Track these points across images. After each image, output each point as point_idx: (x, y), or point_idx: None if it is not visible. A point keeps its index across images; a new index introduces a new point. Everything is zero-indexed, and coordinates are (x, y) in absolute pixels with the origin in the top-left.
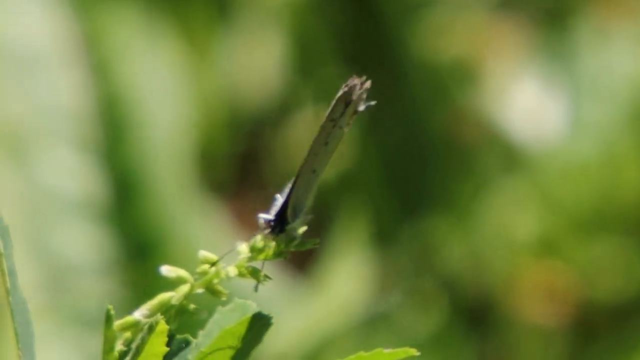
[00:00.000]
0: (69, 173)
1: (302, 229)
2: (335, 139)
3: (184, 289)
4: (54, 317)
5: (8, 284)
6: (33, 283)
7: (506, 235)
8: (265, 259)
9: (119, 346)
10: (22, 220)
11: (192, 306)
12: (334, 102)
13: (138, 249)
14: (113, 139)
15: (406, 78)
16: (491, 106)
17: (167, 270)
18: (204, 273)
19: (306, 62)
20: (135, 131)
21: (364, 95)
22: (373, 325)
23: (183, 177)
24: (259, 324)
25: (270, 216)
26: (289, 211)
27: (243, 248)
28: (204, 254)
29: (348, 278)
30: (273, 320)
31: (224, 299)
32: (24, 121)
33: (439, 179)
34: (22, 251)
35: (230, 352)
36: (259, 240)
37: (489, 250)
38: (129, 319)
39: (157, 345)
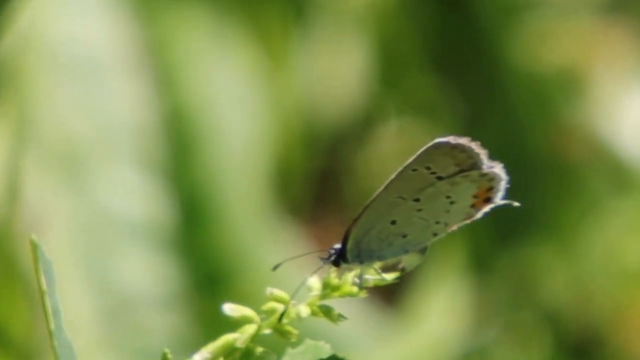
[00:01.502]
0: (131, 195)
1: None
2: (436, 204)
3: (249, 329)
4: (111, 354)
5: (52, 325)
6: (89, 316)
7: (615, 263)
8: (340, 297)
9: None
10: (79, 247)
11: (259, 349)
12: (421, 151)
13: (206, 280)
14: (180, 157)
15: (504, 89)
16: (599, 120)
17: (230, 309)
18: (272, 312)
19: (391, 71)
20: (204, 148)
21: (502, 186)
22: None
23: (257, 198)
24: None
25: (337, 245)
26: (349, 247)
27: (315, 284)
28: (272, 291)
29: (442, 311)
30: None
31: (293, 340)
32: (82, 137)
33: (542, 200)
34: (79, 280)
35: None
36: (333, 275)
37: (596, 280)
38: None
39: None
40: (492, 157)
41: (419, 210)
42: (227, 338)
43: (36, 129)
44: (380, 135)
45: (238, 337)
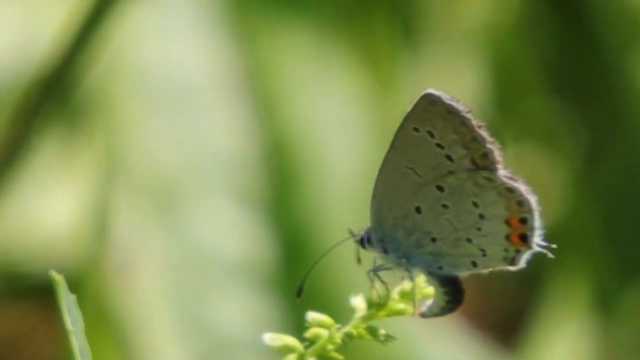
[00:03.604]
0: (228, 231)
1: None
2: (464, 208)
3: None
4: None
5: None
6: None
7: None
8: (387, 316)
9: None
10: (172, 287)
11: None
12: (416, 102)
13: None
14: (281, 190)
15: (630, 114)
16: None
17: (270, 339)
18: (317, 338)
19: (508, 95)
20: (307, 180)
21: (537, 222)
22: None
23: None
24: None
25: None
26: (373, 224)
27: (359, 303)
28: (313, 316)
29: (563, 353)
30: None
31: None
32: (175, 170)
33: None
34: (172, 323)
35: None
36: (377, 293)
37: None
38: None
39: None
40: (616, 189)
41: (445, 207)
42: None
43: (126, 161)
44: None
45: None
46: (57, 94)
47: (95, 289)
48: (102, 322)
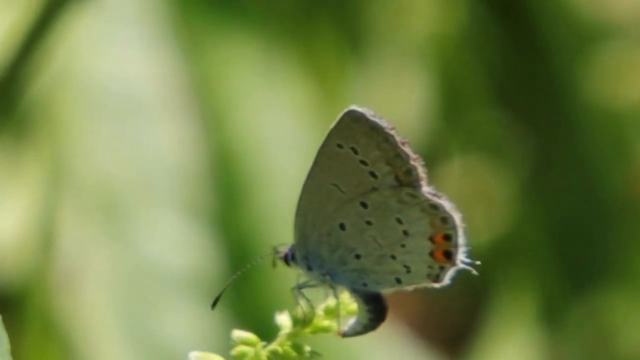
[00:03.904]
0: (175, 243)
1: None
2: (387, 225)
3: None
4: None
5: None
6: None
7: None
8: (313, 333)
9: None
10: (119, 301)
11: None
12: (340, 118)
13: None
14: (228, 202)
15: (577, 127)
16: None
17: (196, 357)
18: (242, 356)
19: (454, 106)
20: (254, 191)
21: (461, 238)
22: None
23: None
24: None
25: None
26: (297, 240)
27: (284, 321)
28: (238, 334)
29: None
30: None
31: None
32: (121, 181)
33: (617, 247)
34: (119, 337)
35: None
36: (301, 310)
37: None
38: None
39: None
40: (564, 200)
41: (369, 223)
42: None
43: (72, 172)
44: (443, 175)
45: None
46: (2, 104)
47: (40, 300)
48: (48, 334)
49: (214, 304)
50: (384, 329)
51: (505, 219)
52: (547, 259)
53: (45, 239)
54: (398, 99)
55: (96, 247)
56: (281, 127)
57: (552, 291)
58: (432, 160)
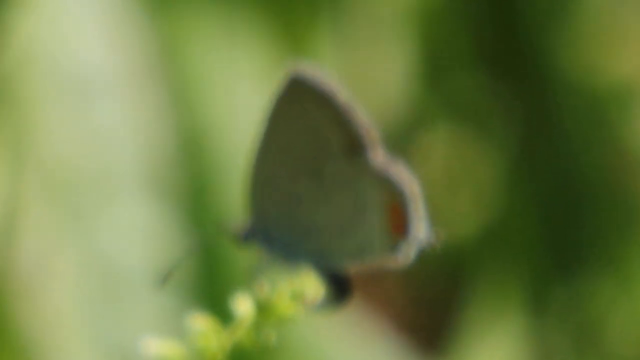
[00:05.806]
0: (142, 233)
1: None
2: (343, 198)
3: None
4: None
5: None
6: None
7: None
8: (277, 320)
9: None
10: (81, 301)
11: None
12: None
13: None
14: (198, 186)
15: (557, 102)
16: None
17: (155, 346)
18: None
19: (435, 72)
20: (225, 175)
21: (415, 207)
22: None
23: None
24: None
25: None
26: (255, 214)
27: (247, 310)
28: (198, 322)
29: (492, 356)
30: None
31: None
32: (81, 165)
33: (603, 232)
34: (85, 336)
35: None
36: (261, 291)
37: None
38: None
39: None
40: (550, 185)
41: (325, 195)
42: None
43: (33, 157)
44: (425, 142)
45: None
46: None
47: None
48: (6, 335)
49: (162, 283)
50: (361, 322)
51: (490, 202)
52: (532, 246)
53: (6, 228)
54: (377, 66)
55: (58, 238)
56: (254, 101)
57: (537, 280)
58: (413, 127)
